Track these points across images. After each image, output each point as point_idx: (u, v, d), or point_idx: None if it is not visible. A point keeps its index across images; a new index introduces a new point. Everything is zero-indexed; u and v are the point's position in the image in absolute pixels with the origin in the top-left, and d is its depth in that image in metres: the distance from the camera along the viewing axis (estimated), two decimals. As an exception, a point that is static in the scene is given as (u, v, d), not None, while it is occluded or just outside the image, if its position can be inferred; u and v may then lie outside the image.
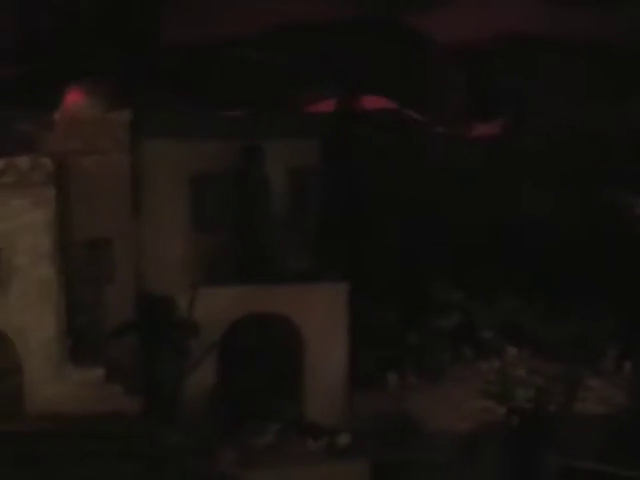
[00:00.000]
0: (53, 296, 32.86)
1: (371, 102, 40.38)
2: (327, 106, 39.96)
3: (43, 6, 39.35)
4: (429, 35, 40.83)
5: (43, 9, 39.23)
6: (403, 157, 38.78)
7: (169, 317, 33.38)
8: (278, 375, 34.15)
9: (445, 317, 36.69)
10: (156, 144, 34.12)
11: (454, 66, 41.07)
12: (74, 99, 34.78)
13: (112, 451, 31.30)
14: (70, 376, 32.94)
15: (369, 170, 37.58)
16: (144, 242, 34.04)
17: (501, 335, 36.57)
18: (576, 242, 37.30)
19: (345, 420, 33.51)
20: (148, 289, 33.78)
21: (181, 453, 31.68)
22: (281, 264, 34.58)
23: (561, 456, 31.85)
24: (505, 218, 38.28)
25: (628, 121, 39.21)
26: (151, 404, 32.75)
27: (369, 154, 37.87)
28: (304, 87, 39.83)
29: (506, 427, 33.65)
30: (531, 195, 38.43)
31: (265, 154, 35.07)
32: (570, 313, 36.28)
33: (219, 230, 34.53)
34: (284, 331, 34.34)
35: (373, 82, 40.64)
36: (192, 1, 39.10)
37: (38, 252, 32.81)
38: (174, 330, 33.34)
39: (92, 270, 33.71)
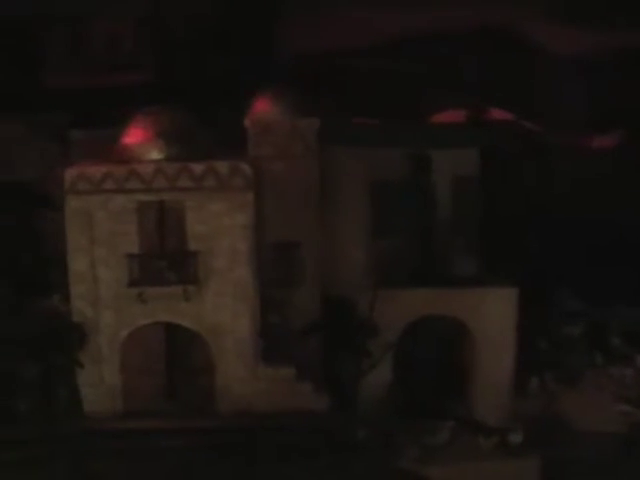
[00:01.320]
0: (249, 297, 33.83)
1: (496, 113, 42.30)
2: (454, 116, 41.71)
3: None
4: (550, 47, 42.70)
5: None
6: (532, 166, 40.66)
7: (351, 319, 34.78)
8: (450, 375, 35.94)
9: (572, 324, 38.55)
10: (339, 151, 35.39)
11: (574, 78, 43.16)
12: (263, 106, 35.75)
13: (303, 446, 32.69)
14: (262, 374, 33.94)
15: (510, 178, 39.43)
16: (327, 245, 35.26)
17: (628, 342, 38.56)
18: None
19: (510, 420, 35.34)
20: (330, 291, 35.07)
21: (367, 448, 33.16)
22: (450, 268, 36.30)
23: None
24: (631, 226, 40.41)
25: None
26: (334, 401, 34.08)
27: (507, 164, 39.66)
28: (433, 97, 41.45)
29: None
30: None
31: (432, 163, 36.72)
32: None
33: (394, 235, 36.04)
34: (456, 333, 36.12)
35: (497, 93, 42.48)
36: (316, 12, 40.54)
37: (235, 255, 33.71)
38: (356, 331, 34.76)
39: (282, 272, 34.78)
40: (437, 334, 35.94)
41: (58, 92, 40.77)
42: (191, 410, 33.92)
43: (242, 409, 33.70)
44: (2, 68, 40.26)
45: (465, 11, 42.10)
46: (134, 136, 34.25)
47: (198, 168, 33.48)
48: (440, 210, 36.70)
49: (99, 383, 34.01)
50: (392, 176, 35.94)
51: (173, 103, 35.34)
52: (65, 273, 34.38)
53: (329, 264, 35.29)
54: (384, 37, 41.37)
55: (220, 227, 33.69)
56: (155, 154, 33.94)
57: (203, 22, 42.02)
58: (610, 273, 39.08)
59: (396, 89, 40.15)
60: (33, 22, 41.62)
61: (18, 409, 33.72)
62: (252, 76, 38.25)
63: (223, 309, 33.88)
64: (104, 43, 42.19)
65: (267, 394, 33.92)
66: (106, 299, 33.81)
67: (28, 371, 33.81)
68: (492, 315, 35.33)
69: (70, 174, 33.63)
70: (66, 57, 41.49)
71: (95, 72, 41.83)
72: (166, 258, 33.48)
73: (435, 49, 41.85)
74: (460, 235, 36.52)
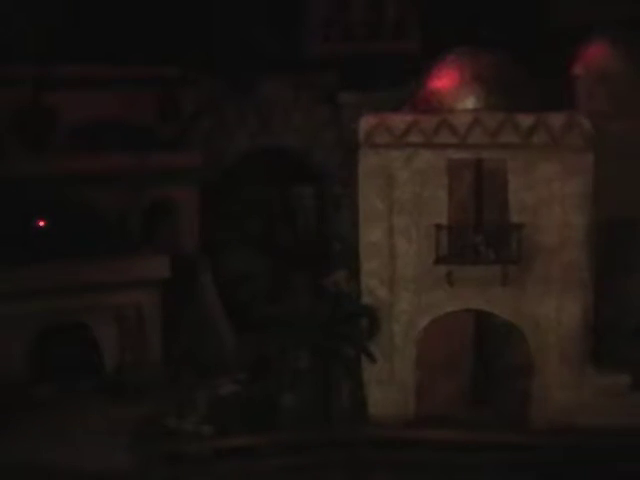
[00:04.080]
0: (581, 284, 27.33)
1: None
2: None
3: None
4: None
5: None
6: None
7: None
8: None
9: None
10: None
11: None
12: (598, 52, 29.10)
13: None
14: (590, 382, 27.35)
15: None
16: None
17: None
18: None
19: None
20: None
21: None
22: None
23: None
24: None
25: None
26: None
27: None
28: None
29: None
30: None
31: None
32: None
33: None
34: None
35: None
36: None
37: (567, 230, 27.22)
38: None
39: (615, 255, 28.13)
40: None
41: (322, 56, 35.68)
42: (501, 421, 27.38)
43: (562, 422, 27.12)
44: (266, 30, 35.35)
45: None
46: (446, 79, 27.96)
47: (526, 120, 27.05)
48: None
49: (389, 381, 27.91)
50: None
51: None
52: (347, 248, 28.48)
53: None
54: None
55: (550, 195, 27.28)
56: (472, 102, 27.57)
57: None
58: None
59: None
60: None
61: (284, 406, 27.65)
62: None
63: (548, 298, 27.40)
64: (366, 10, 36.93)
65: (593, 406, 27.28)
66: (405, 279, 27.64)
67: (302, 361, 27.76)
68: None
69: (367, 123, 27.50)
70: (328, 22, 36.27)
71: (358, 39, 36.71)
72: (483, 231, 27.07)
73: None
74: None
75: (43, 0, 34.22)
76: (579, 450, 26.54)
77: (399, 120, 27.45)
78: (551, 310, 27.37)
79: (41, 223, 30.90)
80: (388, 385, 27.82)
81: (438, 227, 27.13)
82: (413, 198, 27.53)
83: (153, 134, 34.15)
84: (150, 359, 30.75)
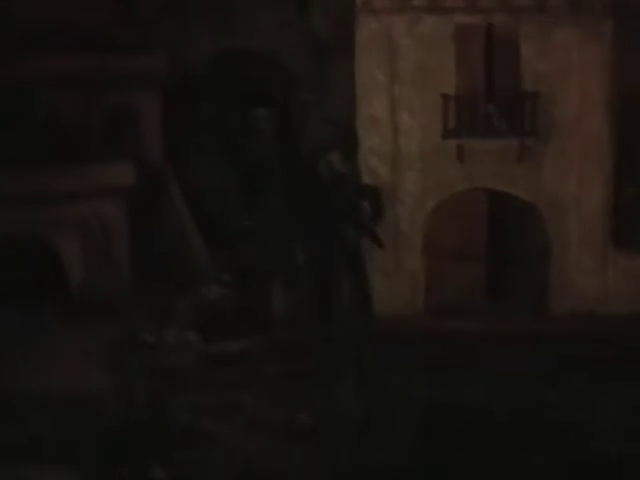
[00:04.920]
0: (603, 159, 25.05)
1: None
2: None
3: None
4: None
5: None
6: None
7: None
8: None
9: None
10: None
11: None
12: None
13: None
14: (614, 264, 25.08)
15: None
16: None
17: None
18: None
19: None
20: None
21: None
22: None
23: None
24: None
25: None
26: None
27: None
28: None
29: None
30: None
31: None
32: None
33: None
34: None
35: None
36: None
37: (587, 101, 24.97)
38: None
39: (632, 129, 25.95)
40: None
41: None
42: (519, 309, 24.88)
43: (584, 310, 24.74)
44: None
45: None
46: (451, -64, 25.52)
47: (539, -19, 24.74)
48: None
49: (395, 271, 25.16)
50: None
51: None
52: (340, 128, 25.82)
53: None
54: None
55: (566, 64, 24.93)
56: (480, -39, 25.23)
57: None
58: None
59: None
60: None
61: (277, 307, 24.78)
62: None
63: (567, 174, 25.14)
64: None
65: (618, 291, 24.99)
66: (409, 156, 25.06)
67: (297, 258, 24.95)
68: None
69: (365, -15, 24.92)
70: None
71: None
72: (495, 101, 24.62)
73: None
74: None
75: None
76: (602, 338, 24.08)
77: (401, -19, 24.94)
78: (572, 187, 25.08)
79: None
80: (394, 276, 25.20)
81: (445, 97, 24.64)
82: (417, 67, 25.07)
83: (112, 37, 31.14)
84: (118, 274, 27.67)
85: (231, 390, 19.87)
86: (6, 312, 25.53)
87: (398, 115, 25.04)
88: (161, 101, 30.90)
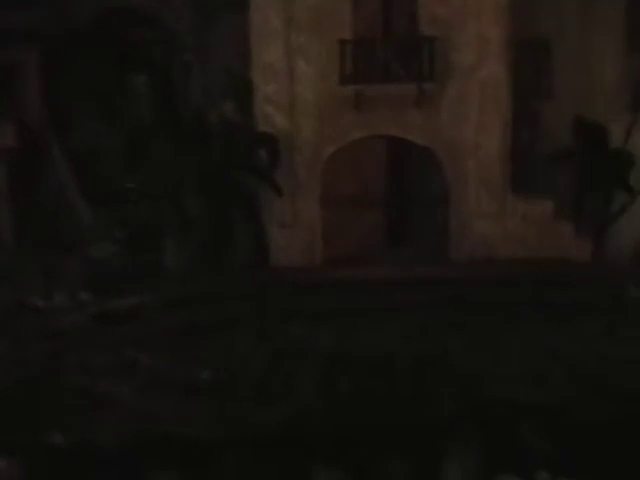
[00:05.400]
0: (500, 104, 24.83)
1: None
2: None
3: None
4: None
5: None
6: None
7: (605, 146, 25.86)
8: None
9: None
10: None
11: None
12: None
13: (565, 304, 23.64)
14: (512, 209, 24.98)
15: None
16: (579, 55, 26.30)
17: None
18: None
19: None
20: (580, 111, 26.10)
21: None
22: None
23: None
24: None
25: None
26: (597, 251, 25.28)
27: None
28: None
29: None
30: None
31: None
32: None
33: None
34: None
35: None
36: None
37: (485, 46, 24.69)
38: (612, 162, 25.88)
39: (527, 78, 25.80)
40: None
41: None
42: (420, 256, 24.66)
43: (484, 255, 24.63)
44: None
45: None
46: None
47: None
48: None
49: (293, 220, 24.62)
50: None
51: None
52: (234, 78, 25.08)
53: (579, 78, 26.22)
54: None
55: (465, 7, 24.60)
56: None
57: None
58: None
59: None
60: None
61: (171, 262, 24.07)
62: None
63: (466, 120, 24.90)
64: None
65: (516, 235, 24.94)
66: (306, 103, 24.55)
67: (191, 209, 24.23)
68: None
69: None
70: None
71: None
72: (393, 45, 24.16)
73: None
74: None
75: None
76: (503, 282, 23.92)
77: None
78: (469, 133, 24.83)
79: None
80: (292, 227, 24.68)
81: (342, 43, 24.08)
82: (313, 12, 24.41)
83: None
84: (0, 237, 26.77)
85: (127, 349, 19.18)
86: None
87: (294, 62, 24.49)
88: (42, 60, 29.83)
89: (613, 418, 19.84)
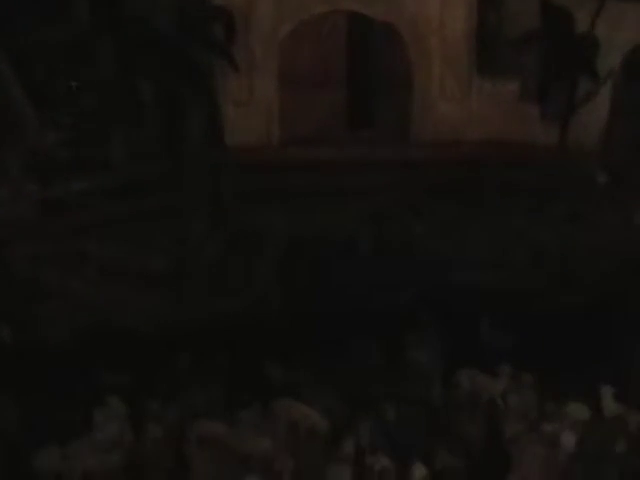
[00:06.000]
0: (463, -22, 23.75)
1: None
2: None
3: None
4: None
5: None
6: None
7: (571, 30, 24.97)
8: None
9: None
10: None
11: None
12: None
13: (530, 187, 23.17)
14: (477, 90, 24.18)
15: None
16: None
17: None
18: None
19: None
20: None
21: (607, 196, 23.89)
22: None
23: None
24: None
25: None
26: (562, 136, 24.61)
27: None
28: None
29: None
30: None
31: None
32: None
33: None
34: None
35: None
36: None
37: None
38: (577, 46, 25.03)
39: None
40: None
41: None
42: (381, 137, 23.88)
43: (448, 137, 23.82)
44: None
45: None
46: None
47: None
48: None
49: (248, 101, 23.58)
50: None
51: None
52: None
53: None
54: None
55: None
56: None
57: None
58: None
59: None
60: None
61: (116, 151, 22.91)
62: None
63: (429, -6, 23.73)
64: None
65: (481, 117, 24.13)
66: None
67: (144, 93, 22.97)
68: None
69: None
70: None
71: None
72: None
73: None
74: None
75: None
76: (466, 163, 23.24)
77: None
78: (433, 10, 23.70)
79: None
80: (247, 107, 23.59)
81: None
82: None
83: None
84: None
85: (76, 238, 18.35)
86: None
87: None
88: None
89: (576, 306, 19.57)
